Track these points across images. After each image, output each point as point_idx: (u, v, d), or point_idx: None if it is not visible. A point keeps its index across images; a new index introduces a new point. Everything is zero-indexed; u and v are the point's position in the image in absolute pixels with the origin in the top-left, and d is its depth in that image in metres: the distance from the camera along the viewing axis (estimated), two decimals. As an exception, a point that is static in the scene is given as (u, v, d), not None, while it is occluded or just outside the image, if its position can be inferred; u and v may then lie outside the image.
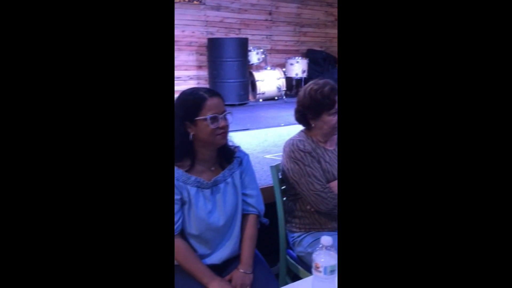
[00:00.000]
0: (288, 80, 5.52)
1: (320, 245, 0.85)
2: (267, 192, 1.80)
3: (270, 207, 1.59)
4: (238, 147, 1.33)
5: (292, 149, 1.46)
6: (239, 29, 5.53)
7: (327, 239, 0.85)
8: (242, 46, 4.93)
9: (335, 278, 0.84)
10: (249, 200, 1.31)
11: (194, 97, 1.16)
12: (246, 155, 1.35)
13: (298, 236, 1.51)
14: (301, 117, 1.53)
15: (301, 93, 1.51)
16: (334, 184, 1.45)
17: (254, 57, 5.24)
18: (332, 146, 1.54)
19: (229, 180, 1.26)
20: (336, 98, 1.43)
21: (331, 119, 1.45)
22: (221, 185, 1.24)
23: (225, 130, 1.19)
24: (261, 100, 5.29)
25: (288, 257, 1.58)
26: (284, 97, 5.34)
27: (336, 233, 1.45)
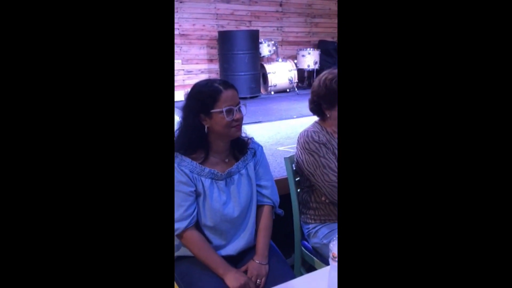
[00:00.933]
0: (300, 72, 5.48)
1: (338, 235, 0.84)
2: (281, 184, 1.80)
3: (284, 198, 1.59)
4: (251, 138, 1.33)
5: (307, 140, 1.45)
6: (250, 21, 5.50)
7: (345, 229, 0.84)
8: (253, 38, 4.90)
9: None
10: (264, 191, 1.30)
11: (209, 89, 1.15)
12: (259, 146, 1.34)
13: (314, 228, 1.50)
14: (315, 108, 1.51)
15: (315, 82, 1.48)
16: (349, 175, 1.43)
17: (265, 49, 5.20)
18: (346, 137, 1.52)
19: (243, 171, 1.26)
20: None
21: (346, 109, 1.42)
22: (235, 177, 1.24)
23: (239, 122, 1.18)
24: (272, 92, 5.27)
25: (303, 249, 1.58)
26: (296, 89, 5.30)
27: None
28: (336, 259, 0.82)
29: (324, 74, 1.47)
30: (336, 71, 1.44)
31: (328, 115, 1.48)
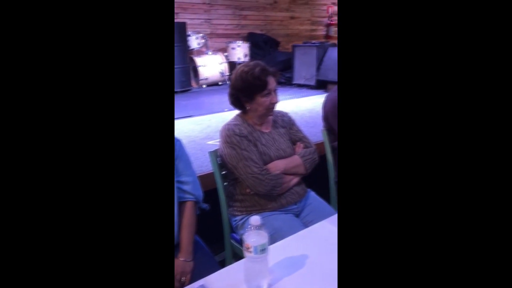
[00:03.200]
0: (231, 64, 5.47)
1: (250, 226, 0.86)
2: (210, 178, 1.78)
3: (214, 193, 1.59)
4: (169, 134, 1.29)
5: (228, 134, 1.45)
6: (177, 13, 5.34)
7: (256, 219, 0.86)
8: (180, 30, 4.78)
9: (266, 257, 0.85)
10: (185, 187, 1.28)
11: None
12: (178, 140, 1.31)
13: (241, 219, 1.52)
14: (235, 101, 1.52)
15: (232, 76, 1.49)
16: (271, 166, 1.47)
17: (194, 41, 5.11)
18: (268, 129, 1.56)
19: (161, 169, 1.22)
20: (268, 79, 1.43)
21: (265, 100, 1.45)
22: (153, 175, 1.20)
23: None
24: (204, 86, 5.21)
25: (232, 241, 1.59)
26: (227, 82, 5.29)
27: (275, 213, 1.47)
28: (249, 250, 0.83)
29: (240, 67, 1.48)
30: (251, 63, 1.46)
31: (248, 108, 1.49)
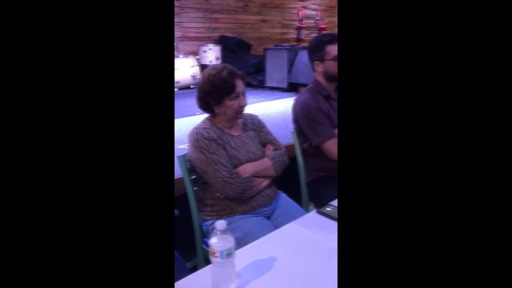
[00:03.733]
0: (203, 67, 5.43)
1: (215, 231, 0.85)
2: (179, 183, 1.76)
3: (184, 198, 1.56)
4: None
5: (197, 138, 1.44)
6: (146, 16, 5.26)
7: (221, 224, 0.85)
8: (150, 34, 4.70)
9: (232, 261, 0.85)
10: (152, 194, 1.26)
11: None
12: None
13: (211, 224, 1.51)
14: (204, 104, 1.51)
15: (200, 79, 1.48)
16: (241, 169, 1.46)
17: (165, 45, 5.04)
18: (237, 132, 1.55)
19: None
20: (236, 81, 1.43)
21: (233, 103, 1.45)
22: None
23: None
24: (176, 89, 5.14)
25: (204, 246, 1.58)
26: (199, 85, 5.25)
27: (245, 216, 1.47)
28: (215, 255, 0.82)
29: (207, 70, 1.47)
30: (219, 66, 1.45)
31: (216, 111, 1.49)
